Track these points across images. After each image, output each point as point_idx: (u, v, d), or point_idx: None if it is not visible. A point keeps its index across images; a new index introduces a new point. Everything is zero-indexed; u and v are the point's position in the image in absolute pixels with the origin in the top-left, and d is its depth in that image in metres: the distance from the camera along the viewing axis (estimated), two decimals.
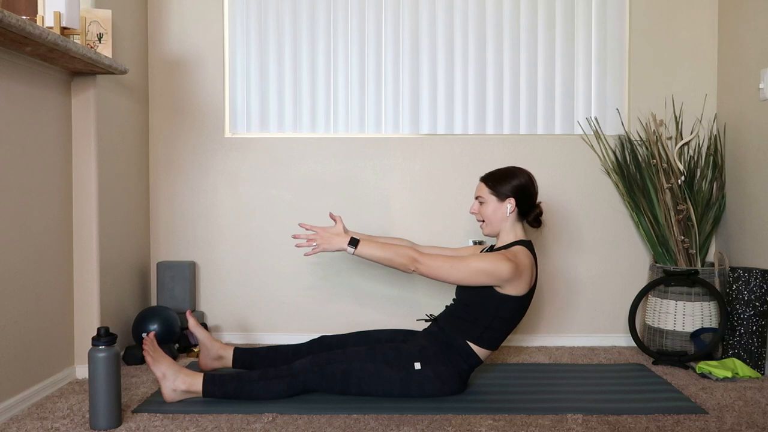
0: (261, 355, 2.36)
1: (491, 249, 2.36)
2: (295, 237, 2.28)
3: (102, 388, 1.87)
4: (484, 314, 2.19)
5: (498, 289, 2.17)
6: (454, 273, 2.15)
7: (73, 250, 2.41)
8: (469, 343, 2.20)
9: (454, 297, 2.33)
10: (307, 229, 2.27)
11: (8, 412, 1.99)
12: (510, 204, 2.25)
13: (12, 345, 2.04)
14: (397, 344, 2.21)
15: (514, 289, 2.17)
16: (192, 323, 2.38)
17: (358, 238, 2.23)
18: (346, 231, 2.31)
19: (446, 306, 2.36)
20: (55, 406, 2.09)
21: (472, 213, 2.33)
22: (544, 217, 2.95)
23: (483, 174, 2.35)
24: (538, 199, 2.33)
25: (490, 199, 2.27)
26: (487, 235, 2.33)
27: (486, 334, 2.20)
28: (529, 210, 2.30)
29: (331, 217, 2.33)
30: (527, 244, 2.26)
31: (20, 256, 2.07)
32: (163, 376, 2.06)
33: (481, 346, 2.21)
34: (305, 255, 2.27)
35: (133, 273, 2.80)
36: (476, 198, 2.31)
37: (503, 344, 2.97)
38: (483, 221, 2.30)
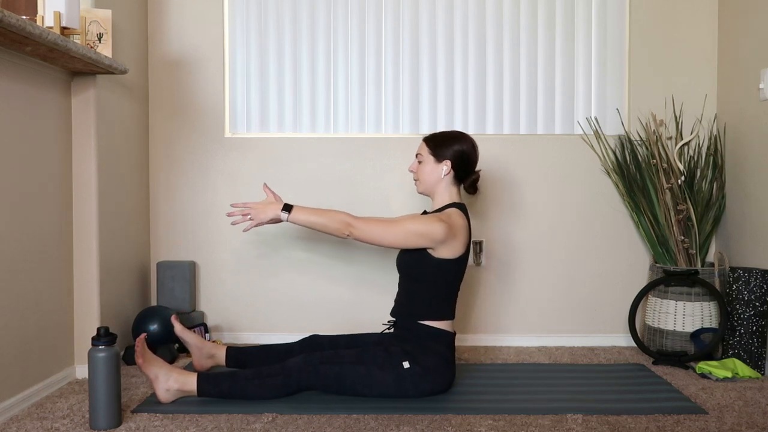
0: (253, 354, 2.36)
1: (425, 213, 2.37)
2: (228, 215, 2.27)
3: (102, 388, 1.87)
4: (425, 284, 2.22)
5: (432, 253, 2.19)
6: (389, 236, 2.16)
7: (73, 250, 2.41)
8: (428, 323, 2.21)
9: (398, 281, 2.35)
10: (239, 207, 2.25)
11: (8, 412, 1.99)
12: (446, 166, 2.27)
13: (12, 345, 2.04)
14: (386, 346, 2.21)
15: (449, 251, 2.18)
16: (178, 328, 2.37)
17: (291, 204, 2.23)
18: (279, 201, 2.28)
19: (394, 300, 2.36)
20: (55, 406, 2.09)
21: (410, 171, 2.36)
22: (545, 217, 2.96)
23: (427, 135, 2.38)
24: (479, 168, 2.37)
25: (428, 159, 2.29)
26: (420, 194, 2.36)
27: (434, 306, 2.22)
28: (466, 175, 2.31)
29: (265, 189, 2.30)
30: (461, 207, 2.28)
31: (20, 256, 2.07)
32: (155, 377, 2.06)
33: (439, 319, 2.22)
34: (243, 231, 2.28)
35: (133, 273, 2.80)
36: (416, 156, 2.33)
37: (503, 344, 2.97)
38: (417, 179, 2.33)
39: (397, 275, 2.36)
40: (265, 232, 2.98)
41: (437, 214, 2.23)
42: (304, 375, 2.11)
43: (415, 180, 2.35)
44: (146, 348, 2.10)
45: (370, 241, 2.19)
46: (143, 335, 2.11)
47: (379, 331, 2.60)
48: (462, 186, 2.33)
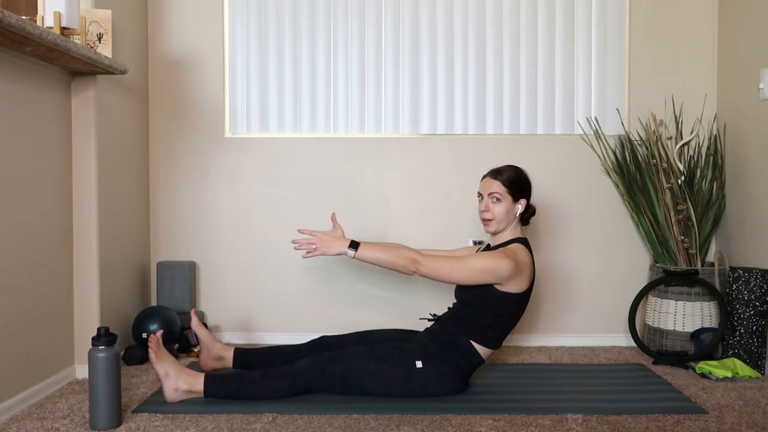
0: (261, 356, 2.36)
1: (488, 248, 2.36)
2: (294, 242, 2.24)
3: (102, 388, 1.87)
4: (486, 313, 2.19)
5: (498, 287, 2.17)
6: (455, 273, 2.15)
7: (73, 250, 2.41)
8: (472, 342, 2.20)
9: (455, 299, 2.33)
10: (306, 234, 2.25)
11: (8, 412, 1.99)
12: (521, 205, 2.27)
13: (12, 345, 2.04)
14: (398, 343, 2.21)
15: (515, 287, 2.17)
16: (195, 322, 2.38)
17: (358, 241, 2.22)
18: (344, 236, 2.30)
19: (449, 307, 2.36)
20: (55, 406, 2.09)
21: (484, 210, 2.28)
22: (544, 217, 2.96)
23: (490, 170, 2.31)
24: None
25: (506, 199, 2.25)
26: (491, 233, 2.31)
27: (489, 332, 2.20)
28: (528, 210, 2.32)
29: (332, 219, 2.32)
30: (524, 242, 2.26)
31: (20, 256, 2.07)
32: (165, 375, 2.06)
33: (484, 345, 2.21)
34: (303, 257, 2.26)
35: (133, 273, 2.80)
36: (489, 195, 2.26)
37: (503, 344, 2.96)
38: (491, 219, 2.26)
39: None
40: (264, 232, 2.98)
41: (503, 250, 2.20)
42: (311, 376, 2.11)
43: (489, 219, 2.27)
44: (161, 344, 2.10)
45: (436, 278, 2.17)
46: (160, 332, 2.12)
47: (419, 319, 2.64)
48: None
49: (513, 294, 2.18)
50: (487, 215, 2.27)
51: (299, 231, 2.29)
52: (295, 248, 2.26)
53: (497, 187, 2.25)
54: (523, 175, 2.30)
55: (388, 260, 2.17)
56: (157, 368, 2.07)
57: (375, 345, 2.19)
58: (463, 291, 2.26)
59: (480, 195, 2.30)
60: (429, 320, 2.38)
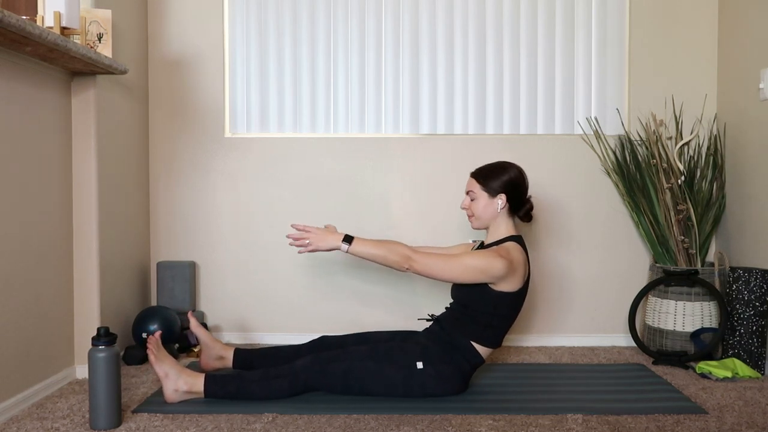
0: (262, 356, 2.36)
1: (482, 246, 2.36)
2: (288, 236, 2.25)
3: (102, 388, 1.87)
4: (483, 313, 2.19)
5: (492, 287, 2.17)
6: (449, 271, 2.15)
7: (73, 250, 2.41)
8: (472, 342, 2.20)
9: (452, 299, 2.33)
10: (299, 230, 2.25)
11: (8, 412, 1.99)
12: (501, 200, 2.26)
13: (12, 345, 2.04)
14: (399, 343, 2.21)
15: (509, 285, 2.17)
16: (194, 324, 2.39)
17: (352, 236, 2.22)
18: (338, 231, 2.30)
19: (446, 307, 2.36)
20: (55, 406, 2.09)
21: (463, 208, 2.33)
22: (545, 217, 2.96)
23: (474, 170, 2.33)
24: (529, 194, 2.33)
25: (481, 195, 2.26)
26: (476, 229, 2.33)
27: (487, 332, 2.20)
28: (520, 205, 2.30)
29: (328, 227, 2.34)
30: (518, 239, 2.26)
31: (20, 256, 2.07)
32: (165, 375, 2.06)
33: (484, 345, 2.21)
34: (299, 252, 2.26)
35: (133, 273, 2.80)
36: (467, 193, 2.31)
37: (503, 344, 2.97)
38: (471, 216, 2.30)
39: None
40: (264, 232, 2.98)
41: (496, 248, 2.20)
42: (311, 375, 2.11)
43: (469, 217, 2.31)
44: (161, 345, 2.11)
45: (428, 275, 2.17)
46: (158, 332, 2.12)
47: (417, 320, 2.62)
48: (516, 215, 2.31)
49: (508, 293, 2.18)
50: (468, 212, 2.32)
51: (292, 226, 2.28)
52: (288, 243, 2.26)
53: (472, 184, 2.29)
54: (499, 170, 2.27)
55: (382, 255, 2.17)
56: (156, 369, 2.06)
57: (375, 345, 2.19)
58: (458, 291, 2.27)
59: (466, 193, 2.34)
60: (427, 321, 2.38)
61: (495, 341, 2.23)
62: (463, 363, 2.19)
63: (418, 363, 2.14)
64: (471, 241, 2.81)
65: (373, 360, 2.13)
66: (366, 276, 2.98)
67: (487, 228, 2.31)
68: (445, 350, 2.19)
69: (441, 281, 2.26)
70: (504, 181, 2.25)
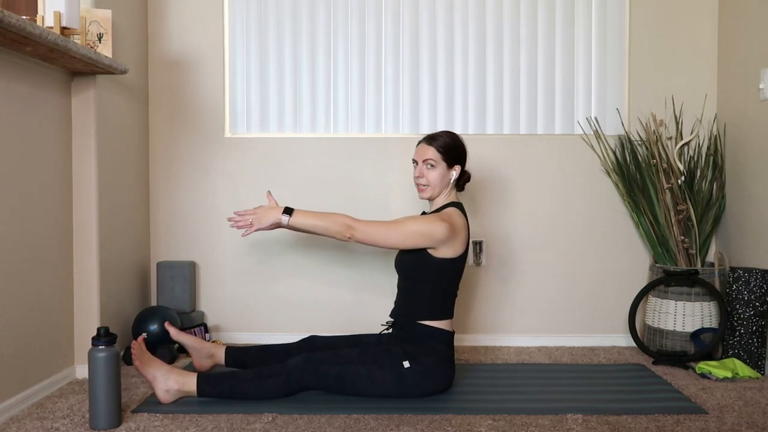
0: (252, 354, 2.36)
1: (424, 214, 2.37)
2: (229, 219, 2.24)
3: (102, 388, 1.87)
4: (425, 284, 2.21)
5: (433, 252, 2.18)
6: (391, 237, 2.16)
7: (73, 250, 2.41)
8: (427, 323, 2.21)
9: (397, 282, 2.34)
10: (240, 215, 2.23)
11: (8, 412, 1.99)
12: (455, 172, 2.28)
13: (12, 345, 2.04)
14: (385, 346, 2.21)
15: (450, 251, 2.19)
16: (174, 333, 2.38)
17: (293, 208, 2.21)
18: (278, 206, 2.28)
19: (394, 303, 2.35)
20: (55, 406, 2.09)
21: (419, 177, 2.28)
22: (545, 217, 2.96)
23: (425, 137, 2.31)
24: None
25: (441, 165, 2.26)
26: (426, 199, 2.31)
27: (435, 306, 2.22)
28: (463, 176, 2.33)
29: (268, 196, 2.30)
30: (459, 206, 2.28)
31: (20, 256, 2.07)
32: (153, 378, 2.06)
33: (438, 319, 2.22)
34: (242, 236, 2.24)
35: (133, 273, 2.80)
36: (424, 161, 2.27)
37: (503, 344, 2.97)
38: (427, 185, 2.27)
39: (397, 277, 2.35)
40: (265, 232, 2.97)
41: (437, 214, 2.23)
42: (304, 375, 2.11)
43: (423, 186, 2.28)
44: (144, 349, 2.09)
45: (371, 242, 2.18)
46: (141, 337, 2.11)
47: (378, 332, 2.59)
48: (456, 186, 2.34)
49: (448, 259, 2.19)
50: (422, 181, 2.28)
51: (235, 213, 2.25)
52: (230, 226, 2.24)
53: (432, 153, 2.26)
54: (458, 141, 2.30)
55: (323, 226, 2.17)
56: (144, 374, 2.07)
57: (365, 349, 2.20)
58: (401, 261, 2.28)
59: (415, 162, 2.31)
60: (387, 327, 2.37)
61: (446, 312, 2.24)
62: (438, 347, 2.20)
63: (404, 363, 2.14)
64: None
65: (363, 364, 2.14)
66: (366, 276, 2.98)
67: (432, 198, 2.31)
68: (417, 343, 2.20)
69: (383, 248, 2.26)
70: (461, 153, 2.29)
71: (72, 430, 1.89)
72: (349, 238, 2.17)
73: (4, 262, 1.99)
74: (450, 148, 2.27)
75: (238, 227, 2.23)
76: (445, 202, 2.29)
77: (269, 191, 2.33)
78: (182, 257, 3.00)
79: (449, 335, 2.24)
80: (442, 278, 2.22)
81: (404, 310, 2.27)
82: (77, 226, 2.41)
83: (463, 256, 2.24)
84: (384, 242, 2.17)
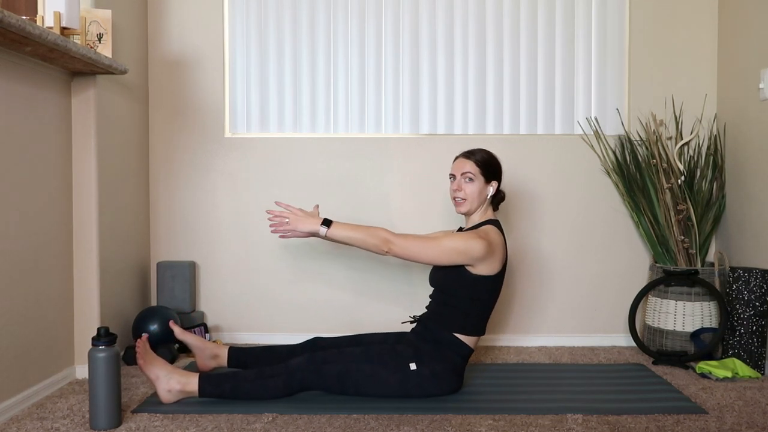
0: (255, 355, 2.36)
1: (460, 231, 2.37)
2: (268, 212, 2.23)
3: (102, 388, 1.87)
4: (462, 300, 2.20)
5: (470, 269, 2.17)
6: (428, 252, 2.15)
7: (73, 250, 2.41)
8: (456, 334, 2.20)
9: (431, 290, 2.33)
10: (283, 207, 2.23)
11: (8, 412, 1.99)
12: (492, 188, 2.28)
13: (12, 345, 2.04)
14: (391, 346, 2.21)
15: (487, 268, 2.18)
16: (178, 332, 2.37)
17: (331, 220, 2.21)
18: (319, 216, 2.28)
19: (426, 307, 2.36)
20: (55, 406, 2.09)
21: (456, 190, 2.28)
22: (545, 217, 2.96)
23: (463, 152, 2.32)
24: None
25: (479, 179, 2.26)
26: (463, 213, 2.30)
27: (468, 320, 2.21)
28: (499, 194, 2.34)
29: (315, 209, 2.32)
30: (496, 223, 2.27)
31: (20, 256, 2.07)
32: (156, 378, 2.06)
33: (468, 334, 2.21)
34: (280, 237, 2.23)
35: (133, 273, 2.80)
36: (462, 174, 2.26)
37: (503, 344, 2.97)
38: (464, 199, 2.27)
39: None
40: (264, 232, 2.98)
41: (475, 231, 2.21)
42: (306, 375, 2.11)
43: (461, 199, 2.27)
44: (148, 349, 2.10)
45: (408, 257, 2.16)
46: (145, 336, 2.11)
47: (400, 323, 2.59)
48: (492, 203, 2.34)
49: (486, 276, 2.18)
50: (460, 194, 2.28)
51: (276, 204, 2.26)
52: (269, 220, 2.22)
53: (470, 167, 2.26)
54: (495, 158, 2.31)
55: (361, 239, 2.16)
56: (146, 373, 2.07)
57: (369, 347, 2.19)
58: (437, 276, 2.27)
59: (452, 176, 2.31)
60: (411, 322, 2.38)
61: (478, 329, 2.23)
62: (453, 357, 2.19)
63: (411, 364, 2.14)
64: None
65: (367, 363, 2.13)
66: (366, 276, 2.98)
67: (469, 214, 2.31)
68: (434, 348, 2.19)
69: (420, 264, 2.26)
70: (498, 169, 2.30)
71: (72, 430, 1.89)
72: (386, 252, 2.16)
73: (4, 262, 1.99)
74: (488, 163, 2.27)
75: (274, 227, 2.20)
76: (482, 220, 2.28)
77: (317, 205, 2.35)
78: (182, 257, 3.00)
79: (469, 351, 2.23)
80: (478, 296, 2.20)
81: (436, 319, 2.25)
82: (77, 226, 2.41)
83: (501, 275, 2.23)
84: (421, 258, 2.16)
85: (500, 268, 2.21)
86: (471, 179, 2.26)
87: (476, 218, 2.30)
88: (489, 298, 2.23)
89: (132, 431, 1.88)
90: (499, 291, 2.26)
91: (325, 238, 2.20)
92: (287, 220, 2.20)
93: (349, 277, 2.98)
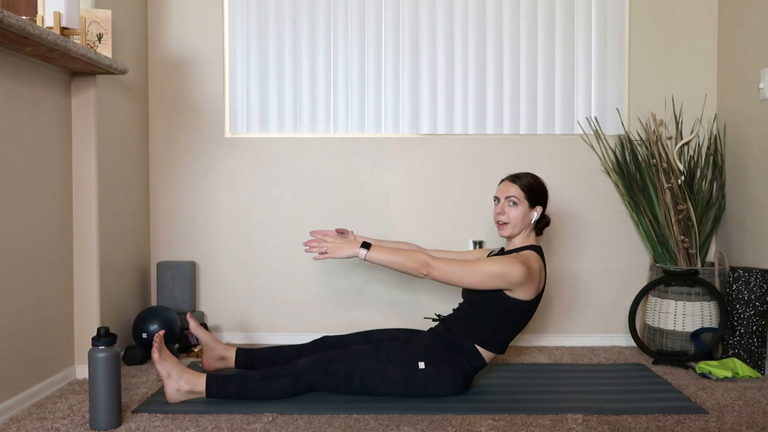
0: (263, 356, 2.36)
1: (501, 252, 2.36)
2: (305, 244, 2.21)
3: (102, 388, 1.87)
4: (492, 318, 2.19)
5: (507, 293, 2.17)
6: (468, 277, 2.13)
7: (73, 250, 2.41)
8: (477, 346, 2.20)
9: (462, 300, 2.32)
10: (318, 237, 2.23)
11: (8, 412, 1.99)
12: (537, 213, 2.26)
13: (12, 345, 2.04)
14: (401, 343, 2.20)
15: (524, 293, 2.16)
16: (193, 325, 2.39)
17: (369, 242, 2.20)
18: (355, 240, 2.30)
19: (454, 309, 2.35)
20: (55, 406, 2.09)
21: (500, 213, 2.27)
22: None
23: (509, 175, 2.31)
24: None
25: (523, 204, 2.24)
26: (505, 237, 2.29)
27: (494, 337, 2.20)
28: (543, 219, 2.32)
29: (340, 231, 2.34)
30: (538, 250, 2.25)
31: (20, 256, 2.07)
32: (168, 375, 2.07)
33: (488, 350, 2.21)
34: (314, 258, 2.23)
35: (133, 273, 2.80)
36: (506, 198, 2.25)
37: None
38: (507, 223, 2.25)
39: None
40: (264, 232, 2.98)
41: (515, 255, 2.19)
42: (313, 375, 2.11)
43: (504, 223, 2.26)
44: (164, 344, 2.11)
45: (448, 281, 2.15)
46: (162, 331, 2.12)
47: (423, 318, 2.60)
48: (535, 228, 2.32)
49: (521, 301, 2.17)
50: (503, 218, 2.26)
51: (311, 233, 2.28)
52: (306, 251, 2.23)
53: (515, 191, 2.25)
54: (541, 183, 2.30)
55: (400, 262, 2.15)
56: (159, 368, 2.07)
57: (378, 344, 2.19)
58: (471, 292, 2.25)
59: (497, 198, 2.29)
60: (434, 320, 2.38)
61: (500, 347, 2.23)
62: (465, 365, 2.19)
63: (420, 363, 2.14)
64: (471, 243, 2.81)
65: (375, 360, 2.13)
66: (368, 276, 2.98)
67: (512, 237, 2.29)
68: (448, 351, 2.19)
69: (459, 287, 2.25)
70: (543, 194, 2.28)
71: (72, 430, 1.89)
72: (425, 275, 2.14)
73: (4, 262, 1.99)
74: (533, 188, 2.26)
75: (311, 251, 2.19)
76: (524, 244, 2.26)
77: (351, 231, 2.36)
78: (182, 257, 3.00)
79: (482, 364, 2.22)
80: (512, 317, 2.19)
81: (462, 325, 2.23)
82: (77, 226, 2.41)
83: (536, 300, 2.22)
84: (461, 283, 2.15)
85: (536, 295, 2.20)
86: (515, 203, 2.24)
87: (518, 242, 2.28)
88: (520, 320, 2.22)
89: (132, 431, 1.88)
90: (531, 315, 2.24)
91: (365, 260, 2.19)
92: (325, 248, 2.18)
93: (350, 276, 2.98)
